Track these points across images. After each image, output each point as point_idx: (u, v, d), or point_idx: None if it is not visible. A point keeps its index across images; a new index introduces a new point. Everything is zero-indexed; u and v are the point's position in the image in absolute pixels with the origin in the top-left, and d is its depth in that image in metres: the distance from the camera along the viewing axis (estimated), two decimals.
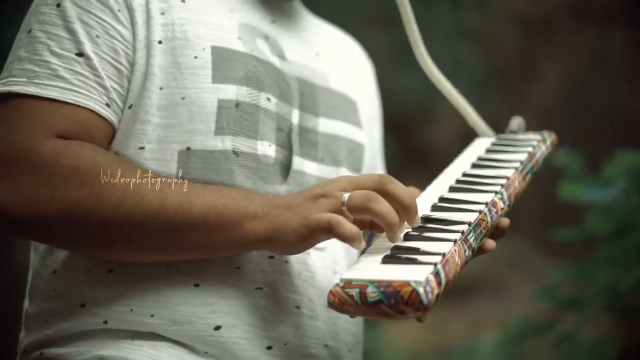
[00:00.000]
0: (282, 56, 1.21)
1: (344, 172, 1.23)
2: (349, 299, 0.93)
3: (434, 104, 4.23)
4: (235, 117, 1.12)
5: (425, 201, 1.11)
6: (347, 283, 0.94)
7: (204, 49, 1.12)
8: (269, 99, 1.15)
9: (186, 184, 1.05)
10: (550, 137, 1.32)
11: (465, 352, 2.88)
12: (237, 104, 1.12)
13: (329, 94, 1.25)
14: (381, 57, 4.05)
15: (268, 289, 1.11)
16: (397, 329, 3.74)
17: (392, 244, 1.01)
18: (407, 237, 1.02)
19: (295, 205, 1.03)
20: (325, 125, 1.22)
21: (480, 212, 1.06)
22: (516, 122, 1.39)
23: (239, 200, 1.05)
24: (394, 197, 1.01)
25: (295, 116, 1.19)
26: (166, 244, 1.05)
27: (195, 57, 1.12)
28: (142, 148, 1.09)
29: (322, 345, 1.15)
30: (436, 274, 0.93)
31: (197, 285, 1.09)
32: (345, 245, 1.18)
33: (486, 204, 1.08)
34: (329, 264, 1.17)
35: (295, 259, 1.13)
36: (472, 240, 1.02)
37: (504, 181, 1.15)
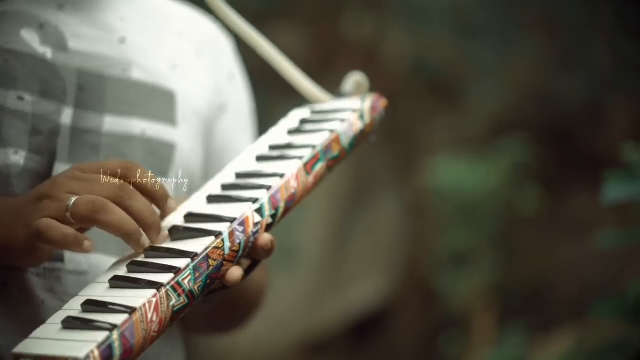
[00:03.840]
0: (60, 46, 1.05)
1: None
2: None
3: (601, 107, 4.02)
4: None
5: (181, 212, 0.97)
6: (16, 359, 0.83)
7: None
8: (20, 98, 1.01)
9: None
10: (373, 105, 1.09)
11: None
12: None
13: (125, 87, 1.08)
14: (542, 61, 3.92)
15: None
16: None
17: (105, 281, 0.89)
18: (134, 263, 0.90)
19: (20, 208, 0.90)
20: (113, 123, 1.06)
21: (217, 235, 0.91)
22: (353, 80, 1.14)
23: None
24: (131, 213, 0.89)
25: (66, 115, 1.03)
26: None
27: None
28: None
29: None
30: (107, 347, 0.80)
31: None
32: None
33: (231, 221, 0.92)
34: None
35: (37, 284, 1.00)
36: (187, 282, 0.87)
37: (274, 182, 0.97)
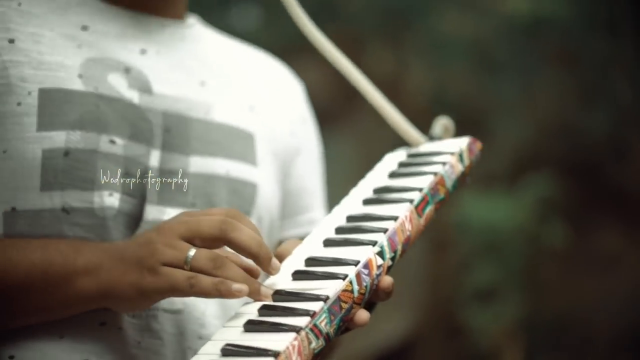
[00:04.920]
0: (146, 89, 1.08)
1: None
2: None
3: (625, 141, 4.00)
4: (64, 168, 1.00)
5: (300, 254, 0.97)
6: None
7: (29, 93, 1.01)
8: (112, 142, 1.03)
9: (7, 242, 0.95)
10: (469, 147, 1.10)
11: None
12: (67, 152, 1.01)
13: (208, 128, 1.12)
14: (566, 95, 3.91)
15: None
16: None
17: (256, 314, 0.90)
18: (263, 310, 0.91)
19: (129, 256, 0.91)
20: (198, 164, 1.09)
21: (344, 278, 0.90)
22: (440, 124, 1.16)
23: (66, 255, 0.94)
24: (238, 245, 0.90)
25: (154, 158, 1.06)
26: None
27: (19, 104, 1.01)
28: None
29: None
30: None
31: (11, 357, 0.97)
32: (219, 300, 1.04)
33: (355, 264, 0.92)
34: (189, 328, 1.03)
35: (133, 325, 1.00)
36: (324, 325, 0.88)
37: (390, 225, 0.97)
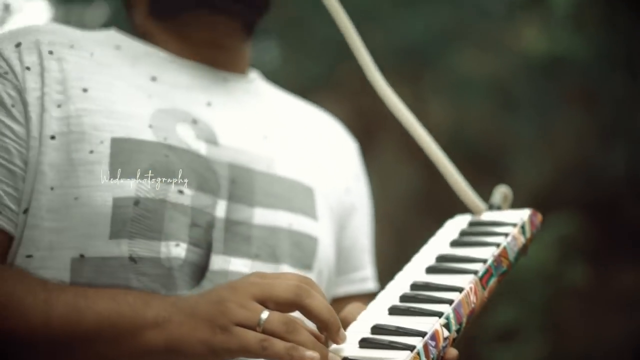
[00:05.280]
0: (212, 141, 1.10)
1: (285, 269, 1.09)
2: None
3: None
4: (133, 217, 1.01)
5: (361, 326, 0.96)
6: None
7: (102, 142, 1.03)
8: (181, 192, 1.04)
9: (76, 291, 0.94)
10: (530, 219, 1.10)
11: None
12: (137, 201, 1.01)
13: (271, 181, 1.13)
14: (584, 134, 3.90)
15: None
16: None
17: None
18: None
19: (200, 312, 0.90)
20: (262, 216, 1.10)
21: (412, 349, 0.89)
22: (500, 192, 1.15)
23: (136, 307, 0.93)
24: (311, 312, 0.89)
25: (220, 208, 1.07)
26: None
27: (91, 152, 1.02)
28: (29, 256, 1.00)
29: None
30: None
31: None
32: None
33: (422, 335, 0.90)
34: None
35: None
36: None
37: (455, 296, 0.95)
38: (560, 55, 3.67)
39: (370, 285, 1.28)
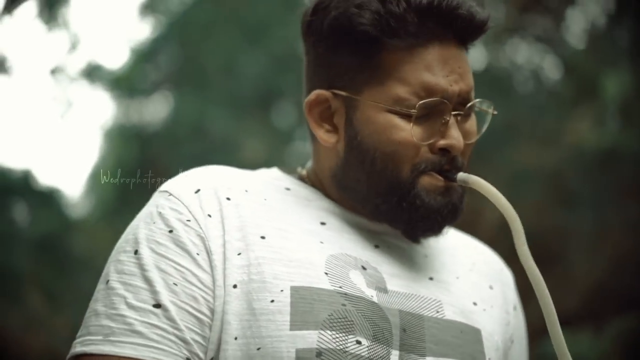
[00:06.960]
0: (382, 288, 1.09)
1: None
2: None
3: None
4: None
5: None
6: None
7: (282, 290, 1.04)
8: (359, 342, 1.03)
9: None
10: None
11: None
12: (319, 353, 1.01)
13: (441, 327, 1.11)
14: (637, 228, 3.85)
15: None
16: None
17: None
18: None
19: None
20: None
21: None
22: None
23: None
24: None
25: (394, 358, 1.05)
26: None
27: (272, 301, 1.03)
28: None
29: None
30: None
31: None
32: None
33: None
34: None
35: None
36: None
37: None
38: (613, 148, 3.67)
39: None
